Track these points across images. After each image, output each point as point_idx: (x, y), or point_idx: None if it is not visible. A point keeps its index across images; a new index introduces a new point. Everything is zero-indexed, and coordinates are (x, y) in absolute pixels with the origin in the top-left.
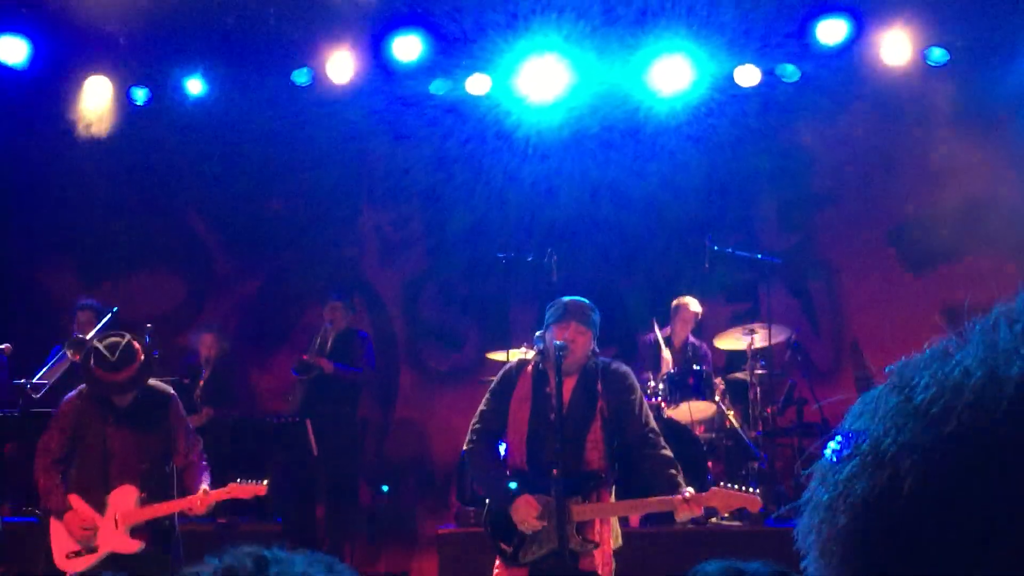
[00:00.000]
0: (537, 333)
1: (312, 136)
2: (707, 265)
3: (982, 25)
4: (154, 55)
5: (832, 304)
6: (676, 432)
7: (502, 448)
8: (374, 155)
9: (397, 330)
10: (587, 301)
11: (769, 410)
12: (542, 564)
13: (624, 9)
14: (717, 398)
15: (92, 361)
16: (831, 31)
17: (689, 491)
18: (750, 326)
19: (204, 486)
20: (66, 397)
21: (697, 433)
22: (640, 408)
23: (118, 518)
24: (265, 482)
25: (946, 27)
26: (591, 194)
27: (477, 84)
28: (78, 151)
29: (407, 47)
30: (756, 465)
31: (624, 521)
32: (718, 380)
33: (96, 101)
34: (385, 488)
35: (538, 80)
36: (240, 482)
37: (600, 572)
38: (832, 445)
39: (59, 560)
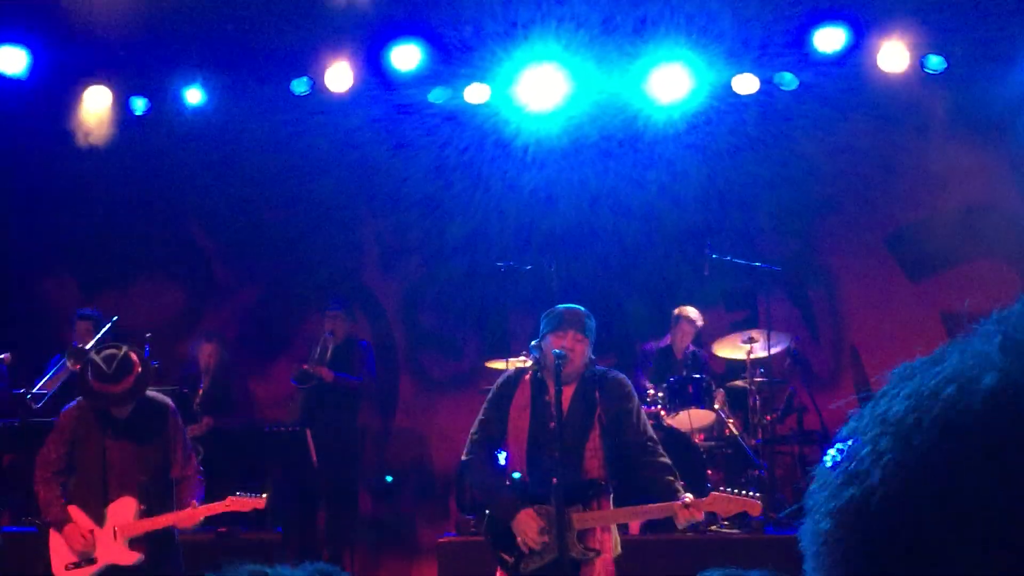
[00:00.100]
0: (533, 342)
1: (311, 145)
2: (706, 273)
3: (980, 33)
4: (153, 64)
5: (831, 311)
6: (676, 440)
7: (502, 457)
8: (373, 164)
9: (397, 338)
10: (583, 309)
11: (769, 418)
12: (544, 574)
13: (623, 18)
14: (717, 406)
15: (89, 373)
16: (829, 39)
17: (688, 497)
18: (749, 333)
19: (194, 501)
20: (65, 408)
21: (697, 441)
22: (638, 416)
23: (117, 530)
24: (264, 496)
25: (944, 35)
26: (590, 202)
27: (476, 93)
28: (77, 160)
29: (406, 56)
30: (756, 473)
31: (624, 529)
32: (718, 389)
33: (95, 110)
34: (389, 478)
35: (537, 89)
36: (239, 495)
37: None
38: (832, 452)
39: (58, 571)
